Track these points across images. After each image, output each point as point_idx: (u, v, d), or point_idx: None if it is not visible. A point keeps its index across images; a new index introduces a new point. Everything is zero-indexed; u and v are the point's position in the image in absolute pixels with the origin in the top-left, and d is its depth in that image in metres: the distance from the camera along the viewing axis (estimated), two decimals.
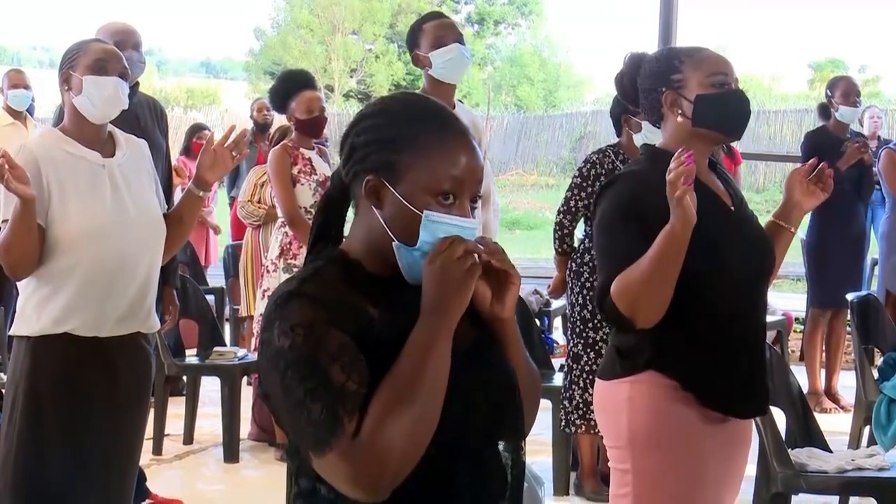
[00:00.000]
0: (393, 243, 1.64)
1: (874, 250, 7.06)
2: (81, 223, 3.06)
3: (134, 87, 3.88)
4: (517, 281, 1.67)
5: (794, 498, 3.77)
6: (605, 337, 4.61)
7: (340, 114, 24.15)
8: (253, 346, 5.50)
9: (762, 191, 22.19)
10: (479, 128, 4.61)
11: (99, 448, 3.11)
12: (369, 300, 1.63)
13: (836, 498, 4.46)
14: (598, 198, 2.60)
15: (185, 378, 5.98)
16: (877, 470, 3.77)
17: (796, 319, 7.98)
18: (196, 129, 9.03)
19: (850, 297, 5.29)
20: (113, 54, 3.20)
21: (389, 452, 1.52)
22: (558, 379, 4.97)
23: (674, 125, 2.59)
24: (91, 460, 3.10)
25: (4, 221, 3.03)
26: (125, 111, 3.26)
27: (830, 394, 6.67)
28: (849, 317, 5.83)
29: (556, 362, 5.67)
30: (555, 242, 4.89)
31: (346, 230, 1.78)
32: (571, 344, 4.79)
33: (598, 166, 4.72)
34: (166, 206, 3.41)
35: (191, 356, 5.77)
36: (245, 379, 5.90)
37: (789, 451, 3.73)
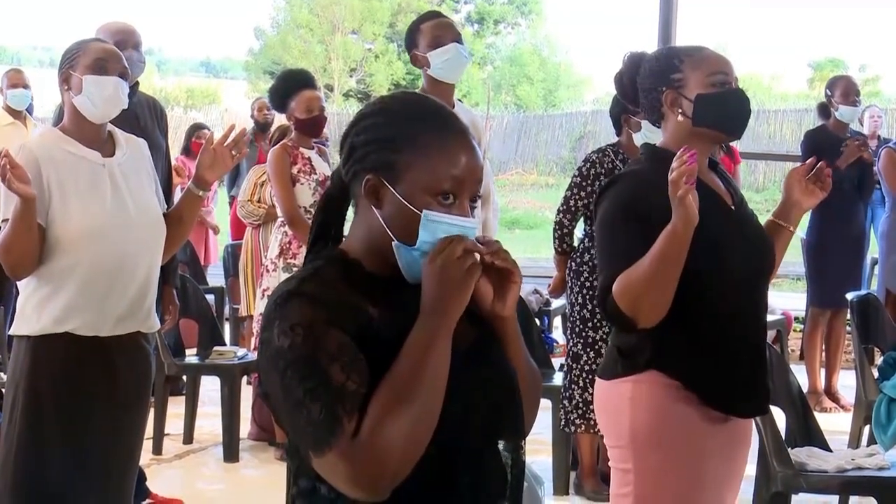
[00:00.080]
0: (392, 243, 1.64)
1: (874, 250, 7.06)
2: (82, 223, 3.06)
3: (134, 87, 3.88)
4: (519, 280, 1.67)
5: (793, 497, 3.77)
6: (604, 336, 4.61)
7: (340, 113, 24.15)
8: (253, 346, 5.50)
9: (762, 190, 22.19)
10: (478, 127, 4.61)
11: (99, 448, 3.11)
12: (369, 300, 1.63)
13: (836, 497, 4.47)
14: (599, 197, 2.60)
15: (184, 377, 5.98)
16: (877, 469, 3.77)
17: (796, 319, 7.98)
18: (195, 129, 9.03)
19: (849, 296, 5.29)
20: (113, 54, 3.20)
21: (389, 452, 1.52)
22: (558, 378, 4.97)
23: (674, 124, 2.59)
24: (91, 460, 3.10)
25: (4, 221, 3.03)
26: (125, 111, 3.26)
27: (830, 393, 6.67)
28: (849, 316, 5.83)
29: (556, 362, 5.67)
30: (554, 242, 4.89)
31: (346, 229, 1.78)
32: (571, 343, 4.79)
33: (597, 166, 4.72)
34: (166, 206, 3.41)
35: (191, 356, 5.77)
36: (245, 378, 5.90)
37: (789, 450, 3.73)
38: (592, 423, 4.63)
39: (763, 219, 2.74)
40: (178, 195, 3.92)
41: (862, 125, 7.97)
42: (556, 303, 7.14)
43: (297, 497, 1.66)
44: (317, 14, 32.36)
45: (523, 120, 27.81)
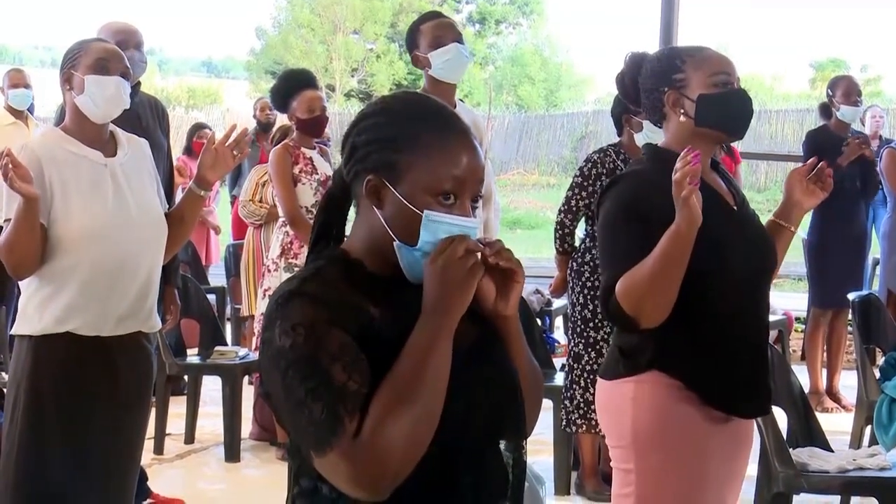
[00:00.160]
0: (394, 243, 1.64)
1: (875, 250, 7.06)
2: (83, 223, 3.06)
3: (135, 87, 3.88)
4: (521, 279, 1.67)
5: (795, 497, 3.77)
6: (605, 336, 4.62)
7: (342, 113, 24.15)
8: (254, 346, 5.50)
9: (763, 190, 22.18)
10: (480, 127, 4.61)
11: (100, 447, 3.12)
12: (370, 300, 1.63)
13: (838, 498, 4.46)
14: (601, 198, 2.60)
15: (186, 377, 5.99)
16: (878, 470, 3.77)
17: (797, 319, 7.98)
18: (197, 129, 9.04)
19: (851, 296, 5.29)
20: (115, 54, 3.20)
21: (390, 452, 1.52)
22: (559, 378, 4.97)
23: (676, 125, 2.59)
24: (92, 460, 3.10)
25: (7, 221, 3.03)
26: (126, 111, 3.26)
27: (832, 393, 6.67)
28: (850, 316, 5.83)
29: (558, 362, 5.67)
30: (556, 242, 4.89)
31: (348, 229, 1.78)
32: (572, 343, 4.80)
33: (599, 166, 4.72)
34: (167, 206, 3.41)
35: (192, 355, 5.77)
36: (246, 378, 5.91)
37: (790, 450, 3.72)
38: (594, 423, 4.63)
39: (764, 219, 2.74)
40: (179, 195, 3.92)
41: (863, 125, 7.96)
42: (558, 303, 7.14)
43: (299, 497, 1.66)
44: (318, 14, 32.37)
45: (525, 120, 27.81)
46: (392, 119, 1.68)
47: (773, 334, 6.85)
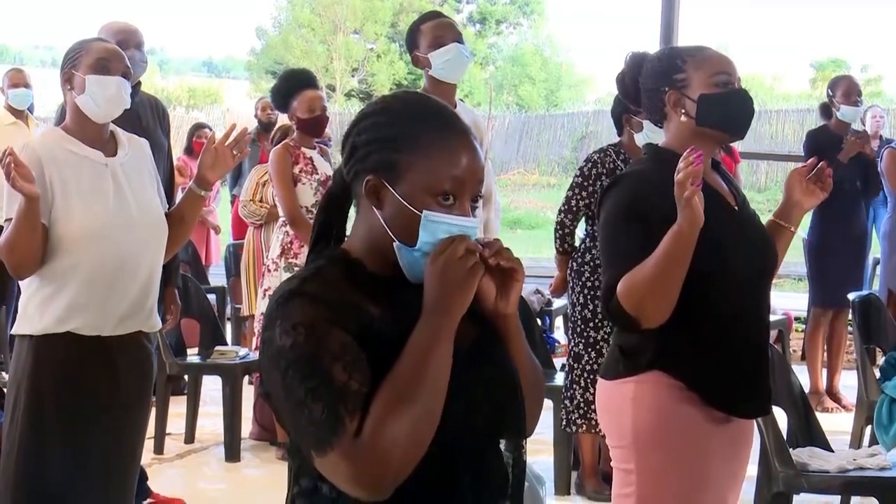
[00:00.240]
0: (394, 243, 1.64)
1: (876, 250, 7.06)
2: (84, 222, 3.06)
3: (136, 87, 3.88)
4: (521, 277, 1.67)
5: (795, 497, 3.77)
6: (605, 336, 4.62)
7: (342, 113, 24.15)
8: (254, 346, 5.50)
9: (764, 190, 22.17)
10: (480, 127, 4.61)
11: (100, 447, 3.12)
12: (371, 299, 1.63)
13: (838, 498, 4.46)
14: (602, 198, 2.60)
15: (186, 377, 5.99)
16: (878, 470, 3.77)
17: (797, 319, 7.98)
18: (196, 128, 9.05)
19: (851, 296, 5.29)
20: (115, 53, 3.20)
21: (391, 452, 1.52)
22: (559, 378, 4.97)
23: (677, 125, 2.59)
24: (92, 459, 3.10)
25: (8, 221, 3.03)
26: (127, 110, 3.26)
27: (832, 393, 6.67)
28: (850, 316, 5.83)
29: (558, 362, 5.67)
30: (556, 242, 4.89)
31: (349, 228, 1.78)
32: (572, 343, 4.80)
33: (599, 165, 4.72)
34: (168, 206, 3.41)
35: (192, 355, 5.77)
36: (246, 378, 5.91)
37: (791, 450, 3.73)
38: (594, 422, 4.63)
39: (765, 219, 2.74)
40: (180, 195, 3.92)
41: (864, 125, 7.96)
42: (558, 303, 7.14)
43: (299, 496, 1.66)
44: (318, 14, 32.37)
45: (525, 120, 27.81)
46: (392, 119, 1.68)
47: (773, 334, 6.85)
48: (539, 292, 7.14)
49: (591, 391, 4.59)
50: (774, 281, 2.76)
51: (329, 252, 1.73)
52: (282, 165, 5.16)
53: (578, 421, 4.74)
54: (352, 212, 1.76)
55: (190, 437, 5.71)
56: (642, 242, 2.43)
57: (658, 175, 2.48)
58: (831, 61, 33.68)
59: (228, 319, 7.36)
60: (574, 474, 4.98)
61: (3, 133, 6.61)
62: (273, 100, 5.59)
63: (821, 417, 4.20)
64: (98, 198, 3.09)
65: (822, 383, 6.65)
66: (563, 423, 4.80)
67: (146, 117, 4.16)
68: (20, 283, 3.18)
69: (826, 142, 6.30)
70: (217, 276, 8.10)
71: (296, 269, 4.96)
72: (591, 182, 4.71)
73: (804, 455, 3.77)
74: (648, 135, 4.18)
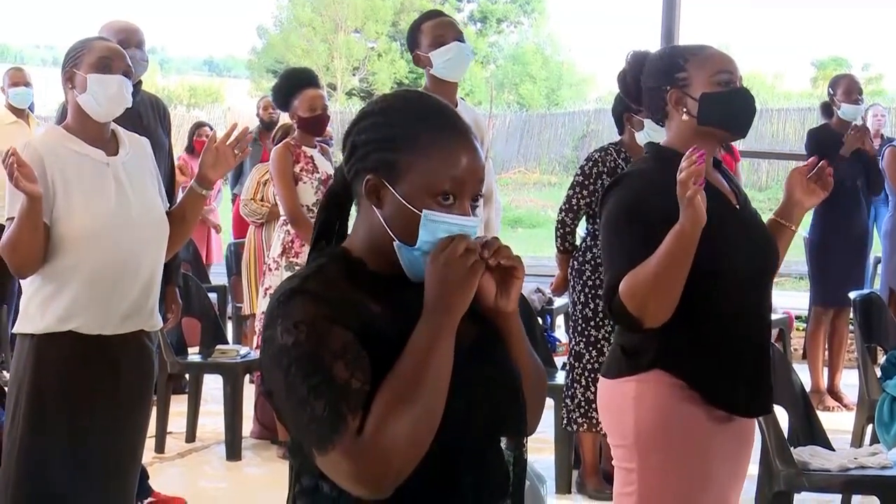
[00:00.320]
0: (394, 243, 1.64)
1: (877, 248, 7.06)
2: (85, 222, 3.06)
3: (137, 86, 3.88)
4: (522, 275, 1.66)
5: (796, 496, 3.77)
6: (606, 335, 4.62)
7: (343, 112, 24.15)
8: (255, 345, 5.50)
9: (765, 189, 22.16)
10: (481, 126, 4.61)
11: (101, 446, 3.12)
12: (372, 298, 1.63)
13: (839, 496, 4.46)
14: (603, 197, 2.60)
15: (187, 376, 6.00)
16: (879, 468, 3.77)
17: (798, 318, 7.97)
18: (196, 127, 9.05)
19: (852, 295, 5.29)
20: (117, 52, 3.20)
21: (392, 450, 1.53)
22: (560, 377, 4.97)
23: (679, 124, 2.59)
24: (93, 458, 3.11)
25: (10, 220, 3.03)
26: (128, 109, 3.26)
27: (833, 392, 6.67)
28: (851, 315, 5.83)
29: (559, 360, 5.67)
30: (557, 241, 4.89)
31: (350, 227, 1.78)
32: (573, 342, 4.80)
33: (600, 164, 4.72)
34: (169, 205, 3.41)
35: (193, 354, 5.78)
36: (247, 377, 5.91)
37: (792, 449, 3.72)
38: (595, 421, 4.63)
39: (766, 217, 2.74)
40: (181, 194, 3.93)
41: (866, 124, 7.96)
42: (559, 301, 7.13)
43: (300, 495, 1.66)
44: (319, 13, 32.37)
45: (526, 119, 27.80)
46: (392, 119, 1.68)
47: (774, 333, 6.84)
48: (540, 291, 7.14)
49: (593, 390, 4.59)
50: (775, 280, 2.76)
51: (330, 251, 1.73)
52: (283, 164, 5.16)
53: (579, 420, 4.74)
54: (353, 211, 1.76)
55: (191, 435, 5.71)
56: (644, 242, 2.43)
57: (660, 174, 2.48)
58: (832, 60, 33.65)
59: (229, 318, 7.36)
60: (575, 473, 4.98)
61: (5, 132, 6.62)
62: (274, 98, 5.59)
63: (822, 416, 4.20)
64: (99, 197, 3.10)
65: (824, 382, 6.65)
66: (564, 421, 4.80)
67: (147, 116, 4.16)
68: (21, 282, 3.18)
69: (827, 140, 6.29)
70: (218, 274, 8.11)
71: (297, 268, 4.96)
72: (591, 181, 4.71)
73: (805, 454, 3.77)
74: (649, 133, 4.18)
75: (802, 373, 5.08)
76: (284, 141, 5.33)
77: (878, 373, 4.70)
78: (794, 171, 2.74)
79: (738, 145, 8.17)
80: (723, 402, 2.53)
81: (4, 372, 4.60)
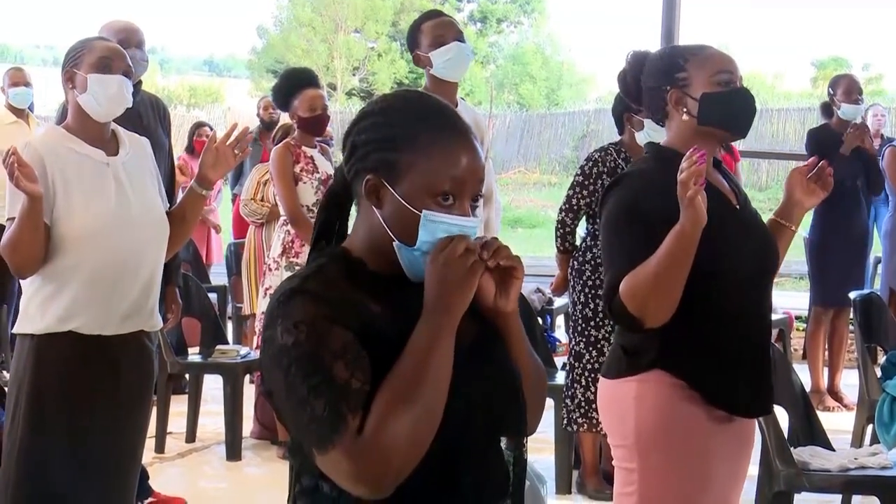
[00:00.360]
0: (393, 243, 1.64)
1: (877, 248, 7.06)
2: (86, 222, 3.06)
3: (137, 86, 3.88)
4: (521, 275, 1.66)
5: (796, 496, 3.77)
6: (607, 335, 4.62)
7: (343, 112, 24.15)
8: (255, 345, 5.50)
9: (765, 189, 22.16)
10: (481, 126, 4.61)
11: (101, 446, 3.12)
12: (372, 298, 1.63)
13: (839, 496, 4.46)
14: (604, 197, 2.59)
15: (187, 376, 6.00)
16: (879, 469, 3.77)
17: (798, 318, 7.97)
18: (196, 127, 9.06)
19: (852, 295, 5.29)
20: (117, 52, 3.20)
21: (393, 450, 1.53)
22: (560, 377, 4.97)
23: (679, 124, 2.59)
24: (93, 458, 3.10)
25: (10, 220, 3.03)
26: (128, 109, 3.26)
27: (833, 392, 6.67)
28: (851, 315, 5.82)
29: (559, 360, 5.67)
30: (557, 241, 4.89)
31: (351, 226, 1.78)
32: (574, 342, 4.80)
33: (600, 164, 4.72)
34: (169, 205, 3.41)
35: (193, 354, 5.78)
36: (247, 377, 5.91)
37: (792, 449, 3.72)
38: (595, 421, 4.63)
39: (766, 218, 2.74)
40: (181, 194, 3.93)
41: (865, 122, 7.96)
42: (559, 301, 7.13)
43: (300, 495, 1.66)
44: (320, 13, 32.37)
45: (526, 118, 27.81)
46: (392, 119, 1.68)
47: (774, 333, 6.83)
48: (540, 291, 7.14)
49: (593, 390, 4.59)
50: (775, 280, 2.76)
51: (330, 250, 1.73)
52: (282, 164, 5.16)
53: (579, 420, 4.74)
54: (353, 211, 1.76)
55: (191, 435, 5.71)
56: (644, 242, 2.43)
57: (660, 174, 2.48)
58: (832, 60, 33.66)
59: (229, 318, 7.36)
60: (575, 473, 4.98)
61: (5, 132, 6.62)
62: (274, 98, 5.59)
63: (822, 416, 4.20)
64: (100, 197, 3.09)
65: (824, 382, 6.64)
66: (565, 422, 4.80)
67: (147, 116, 4.16)
68: (21, 282, 3.18)
69: (827, 140, 6.29)
70: (218, 274, 8.10)
71: (297, 268, 4.96)
72: (591, 181, 4.71)
73: (805, 454, 3.77)
74: (649, 133, 4.18)
75: (802, 373, 5.08)
76: (284, 141, 5.33)
77: (878, 373, 4.70)
78: (794, 171, 2.74)
79: (738, 145, 8.17)
80: (723, 403, 2.53)
81: (4, 372, 4.60)
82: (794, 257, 9.16)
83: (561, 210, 4.84)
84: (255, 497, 4.99)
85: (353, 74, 32.29)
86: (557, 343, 7.60)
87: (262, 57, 33.82)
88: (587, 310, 4.70)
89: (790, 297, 9.51)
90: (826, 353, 6.71)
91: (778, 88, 33.19)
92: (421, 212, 1.62)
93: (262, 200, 6.21)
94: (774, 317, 6.36)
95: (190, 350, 5.79)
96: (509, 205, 20.51)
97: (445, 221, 1.62)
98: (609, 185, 2.61)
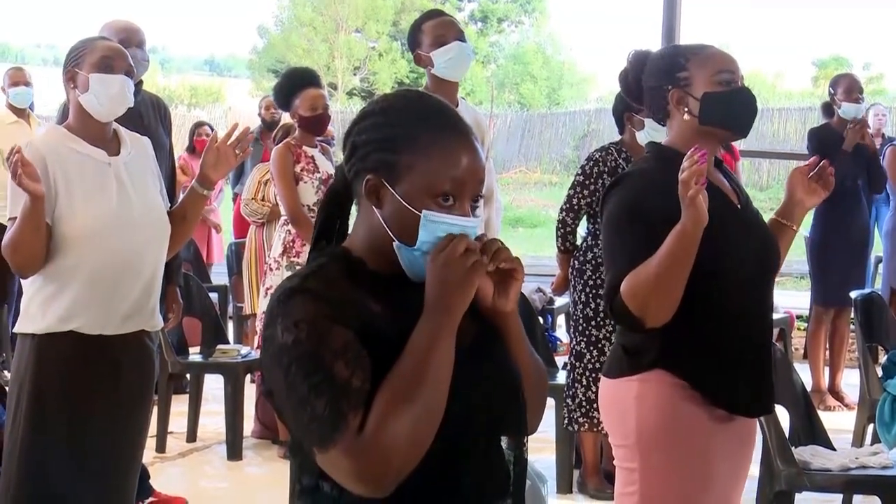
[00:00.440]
0: (393, 243, 1.64)
1: (878, 248, 7.05)
2: (87, 221, 3.06)
3: (138, 86, 3.87)
4: (521, 276, 1.66)
5: (797, 496, 3.77)
6: (607, 335, 4.62)
7: (344, 112, 24.16)
8: (256, 344, 5.50)
9: (766, 188, 22.16)
10: (482, 126, 4.61)
11: (101, 446, 3.11)
12: (372, 297, 1.63)
13: (840, 496, 4.46)
14: (604, 197, 2.59)
15: (188, 376, 5.99)
16: (880, 468, 3.77)
17: (799, 317, 7.97)
18: (196, 127, 9.06)
19: (853, 294, 5.29)
20: (119, 52, 3.20)
21: (393, 449, 1.53)
22: (561, 377, 4.97)
23: (680, 123, 2.59)
24: (93, 458, 3.10)
25: (12, 219, 3.03)
26: (129, 109, 3.26)
27: (834, 392, 6.66)
28: (852, 315, 5.82)
29: (560, 360, 5.67)
30: (557, 240, 4.89)
31: (351, 225, 1.77)
32: (574, 342, 4.80)
33: (600, 164, 4.72)
34: (170, 204, 3.41)
35: (194, 354, 5.77)
36: (248, 377, 5.91)
37: (793, 449, 3.72)
38: (596, 421, 4.63)
39: (767, 217, 2.74)
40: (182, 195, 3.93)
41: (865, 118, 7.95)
42: (560, 301, 7.13)
43: (300, 495, 1.67)
44: (320, 12, 32.38)
45: (527, 118, 27.80)
46: (392, 119, 1.68)
47: (775, 332, 6.83)
48: (541, 291, 7.14)
49: (594, 390, 4.59)
50: (776, 279, 2.76)
51: (330, 250, 1.73)
52: (283, 164, 5.16)
53: (580, 419, 4.74)
54: (354, 210, 1.76)
55: (192, 435, 5.71)
56: (645, 242, 2.42)
57: (661, 174, 2.48)
58: (833, 59, 33.66)
59: (230, 318, 7.36)
60: (576, 473, 4.98)
61: (6, 132, 6.62)
62: (275, 98, 5.59)
63: (823, 416, 4.20)
64: (101, 197, 3.09)
65: (825, 382, 6.64)
66: (565, 421, 4.80)
67: (148, 116, 4.16)
68: (23, 281, 3.18)
69: (829, 139, 6.29)
70: (219, 274, 8.11)
71: (298, 267, 4.95)
72: (592, 180, 4.71)
73: (806, 453, 3.77)
74: (650, 133, 4.18)
75: (803, 372, 5.08)
76: (285, 140, 5.33)
77: (879, 372, 4.70)
78: (796, 170, 2.74)
79: (739, 145, 8.17)
80: (724, 402, 2.53)
81: (5, 372, 4.60)
82: (795, 257, 9.16)
83: (562, 210, 4.84)
84: (256, 497, 4.99)
85: (354, 74, 32.29)
86: (558, 343, 7.60)
87: (262, 57, 33.83)
88: (588, 309, 4.70)
89: (791, 297, 9.51)
90: (827, 352, 6.71)
91: (779, 88, 33.20)
92: (421, 212, 1.62)
93: (262, 200, 6.20)
94: (775, 316, 6.35)
95: (191, 350, 5.79)
96: (510, 204, 20.52)
97: (445, 222, 1.62)
98: (610, 184, 2.61)
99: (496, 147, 22.14)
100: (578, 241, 4.87)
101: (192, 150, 8.69)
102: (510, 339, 1.71)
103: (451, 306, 1.58)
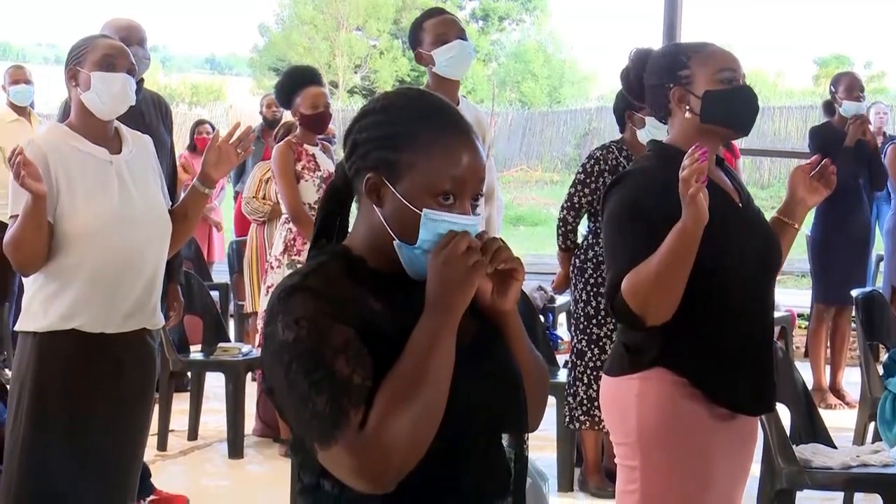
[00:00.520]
0: (394, 241, 1.64)
1: (879, 246, 7.05)
2: (88, 220, 3.06)
3: (139, 84, 3.87)
4: (521, 276, 1.66)
5: (798, 494, 3.77)
6: (608, 333, 4.62)
7: (345, 110, 24.15)
8: (257, 342, 5.50)
9: (767, 187, 22.15)
10: (483, 124, 4.61)
11: (103, 444, 3.12)
12: (372, 295, 1.63)
13: (841, 494, 4.47)
14: (605, 195, 2.59)
15: (189, 374, 5.99)
16: (881, 466, 3.77)
17: (800, 315, 7.97)
18: (196, 125, 9.07)
19: (855, 293, 5.29)
20: (121, 50, 3.20)
21: (394, 447, 1.53)
22: (562, 375, 4.97)
23: (681, 121, 2.59)
24: (95, 456, 3.11)
25: (13, 217, 3.03)
26: (130, 107, 3.26)
27: (835, 390, 6.67)
28: (854, 313, 5.82)
29: (561, 358, 5.67)
30: (558, 239, 4.89)
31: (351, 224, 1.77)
32: (575, 340, 4.80)
33: (601, 162, 4.72)
34: (171, 203, 3.41)
35: (195, 352, 5.78)
36: (249, 375, 5.91)
37: (794, 447, 3.72)
38: (597, 419, 4.63)
39: (768, 216, 2.74)
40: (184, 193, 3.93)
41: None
42: (561, 299, 7.13)
43: (301, 493, 1.67)
44: (321, 11, 32.37)
45: (528, 116, 27.79)
46: (392, 117, 1.68)
47: (776, 331, 6.83)
48: (542, 289, 7.14)
49: (595, 388, 4.59)
50: (778, 277, 2.76)
51: (331, 248, 1.72)
52: (284, 162, 5.16)
53: (582, 418, 4.74)
54: (354, 207, 1.76)
55: (193, 433, 5.71)
56: (646, 240, 2.42)
57: (662, 172, 2.47)
58: (834, 58, 33.63)
59: (231, 316, 7.36)
60: (577, 471, 4.98)
61: (7, 130, 6.63)
62: (276, 96, 5.59)
63: (824, 414, 4.20)
64: (103, 195, 3.10)
65: (826, 380, 6.64)
66: (567, 419, 4.80)
67: (149, 114, 4.17)
68: (24, 279, 3.18)
69: (830, 138, 6.29)
70: (220, 272, 8.11)
71: (298, 265, 4.95)
72: (593, 179, 4.71)
73: (807, 452, 3.76)
74: (651, 131, 4.19)
75: (804, 371, 5.08)
76: (286, 139, 5.33)
77: (881, 370, 4.70)
78: (797, 168, 2.74)
79: (740, 143, 8.16)
80: (725, 400, 2.52)
81: (6, 370, 4.60)
82: (797, 255, 9.15)
83: (563, 208, 4.84)
84: (257, 495, 4.99)
85: (355, 72, 32.29)
86: (559, 341, 7.60)
87: (263, 55, 33.82)
88: (589, 307, 4.70)
89: (792, 295, 9.51)
90: (828, 350, 6.71)
91: (780, 86, 33.18)
92: (421, 211, 1.62)
93: (263, 198, 6.20)
94: (776, 314, 6.34)
95: (192, 348, 5.80)
96: (511, 203, 20.52)
97: (446, 220, 1.62)
98: (611, 183, 2.61)
99: (497, 145, 22.13)
100: (579, 240, 4.87)
101: (193, 148, 8.70)
102: (510, 337, 1.71)
103: (452, 305, 1.58)
